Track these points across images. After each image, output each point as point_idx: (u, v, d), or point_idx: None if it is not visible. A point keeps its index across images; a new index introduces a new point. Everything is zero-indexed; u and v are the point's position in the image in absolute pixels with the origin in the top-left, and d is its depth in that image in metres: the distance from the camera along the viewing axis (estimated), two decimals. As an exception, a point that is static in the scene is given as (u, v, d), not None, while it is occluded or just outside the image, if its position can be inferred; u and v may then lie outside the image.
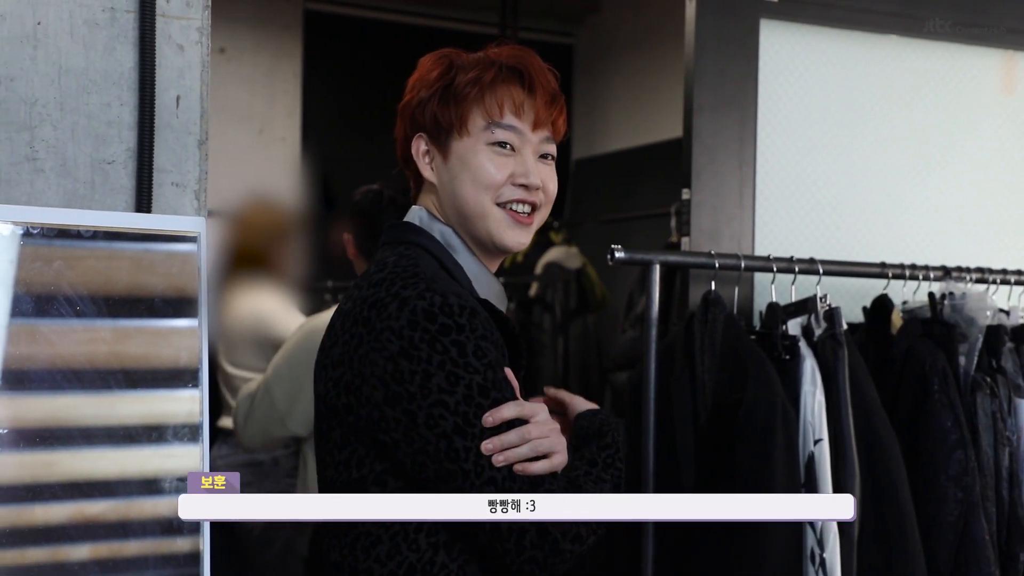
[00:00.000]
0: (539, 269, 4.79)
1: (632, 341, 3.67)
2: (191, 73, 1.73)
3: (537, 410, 1.43)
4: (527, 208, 1.55)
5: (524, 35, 5.50)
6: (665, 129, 5.20)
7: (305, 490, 2.89)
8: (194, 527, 1.51)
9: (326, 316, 3.20)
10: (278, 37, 5.50)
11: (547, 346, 4.65)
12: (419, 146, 1.58)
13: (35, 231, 1.46)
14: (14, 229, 1.45)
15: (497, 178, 1.53)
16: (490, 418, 1.37)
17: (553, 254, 4.79)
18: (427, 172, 1.58)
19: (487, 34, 5.63)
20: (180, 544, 1.50)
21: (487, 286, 1.57)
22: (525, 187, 1.54)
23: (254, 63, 5.41)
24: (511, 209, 1.54)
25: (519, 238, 1.56)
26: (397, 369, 1.38)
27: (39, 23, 1.63)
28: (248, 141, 5.35)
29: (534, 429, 1.40)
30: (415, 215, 1.60)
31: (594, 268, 4.85)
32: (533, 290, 4.83)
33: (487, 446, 1.36)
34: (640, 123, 5.63)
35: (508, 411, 1.39)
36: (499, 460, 1.37)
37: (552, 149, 1.60)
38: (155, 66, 1.69)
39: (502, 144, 1.54)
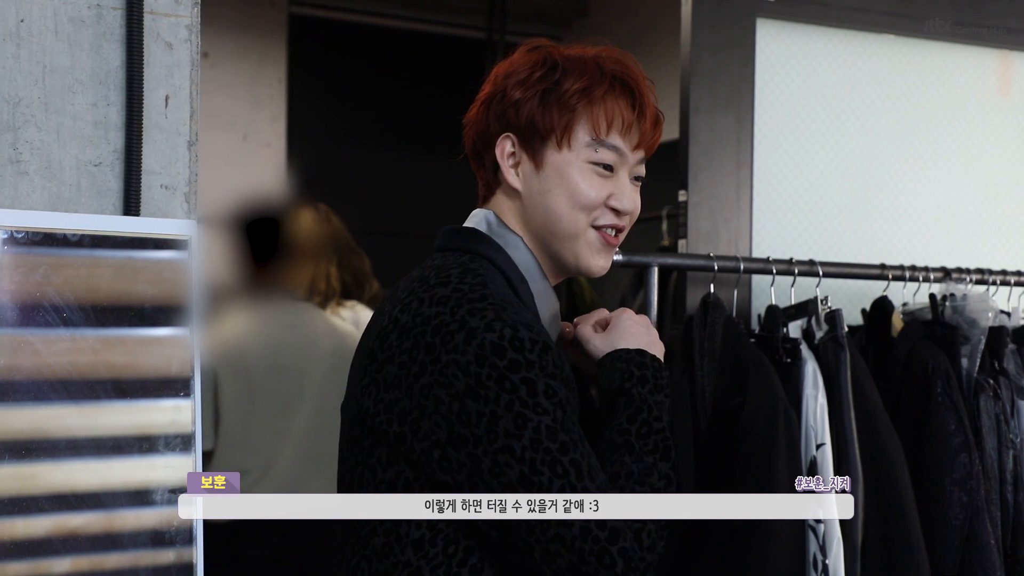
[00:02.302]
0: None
1: (625, 346, 3.63)
2: (180, 72, 1.68)
3: None
4: (614, 231, 1.50)
5: (512, 39, 5.46)
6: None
7: None
8: (185, 539, 1.46)
9: None
10: (262, 42, 5.44)
11: (537, 352, 4.60)
12: (505, 147, 1.48)
13: (19, 236, 1.41)
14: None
15: (596, 200, 1.46)
16: None
17: (542, 259, 4.75)
18: (512, 177, 1.48)
19: (474, 38, 5.59)
20: (170, 556, 1.45)
21: (547, 305, 1.49)
22: (617, 212, 1.48)
23: (237, 68, 5.35)
24: (604, 231, 1.49)
25: (604, 263, 1.50)
26: (464, 410, 1.30)
27: (22, 20, 1.58)
28: (232, 147, 5.29)
29: None
30: (481, 220, 1.50)
31: (583, 273, 4.80)
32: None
33: None
34: (628, 127, 5.59)
35: None
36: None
37: (643, 171, 1.53)
38: (143, 65, 1.64)
39: (605, 165, 1.47)
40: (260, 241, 3.09)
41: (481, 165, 1.53)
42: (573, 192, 1.46)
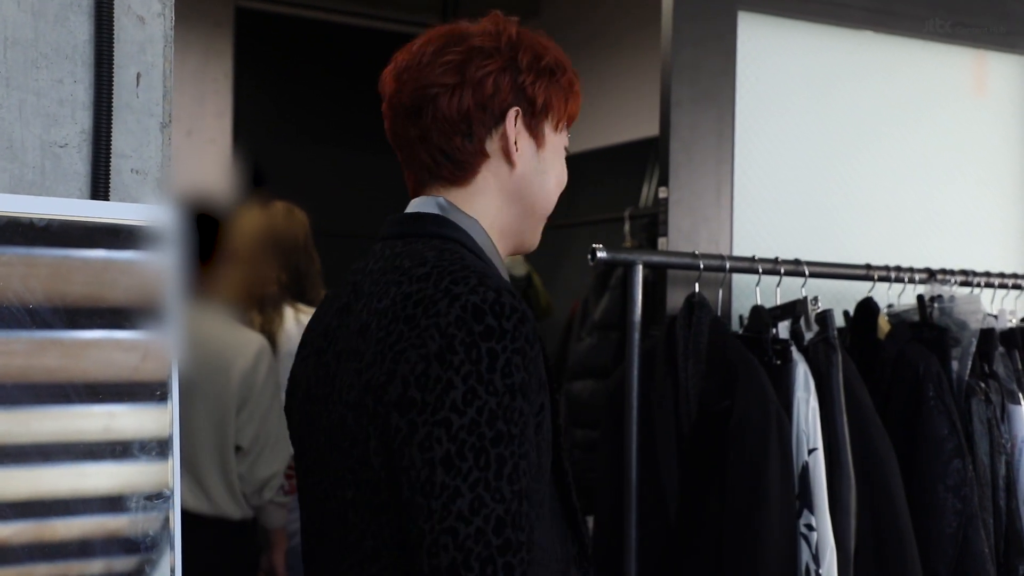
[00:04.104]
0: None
1: (590, 349, 3.55)
2: (153, 48, 1.56)
3: None
4: None
5: (464, 36, 5.37)
6: (608, 134, 5.11)
7: None
8: (160, 546, 1.35)
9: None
10: (207, 35, 5.28)
11: (492, 355, 4.51)
12: (512, 126, 1.41)
13: (-19, 220, 1.29)
14: (-42, 216, 1.27)
15: (565, 180, 1.49)
16: None
17: (498, 261, 4.66)
18: (514, 155, 1.42)
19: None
20: (143, 564, 1.34)
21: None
22: None
23: (183, 63, 5.18)
24: None
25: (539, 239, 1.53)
26: (426, 372, 1.22)
27: (-19, -12, 1.45)
28: (176, 143, 5.11)
29: None
30: (433, 206, 1.41)
31: (538, 275, 4.73)
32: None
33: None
34: (581, 129, 5.53)
35: None
36: None
37: None
38: (113, 39, 1.51)
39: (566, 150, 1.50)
40: (204, 240, 2.94)
41: (463, 135, 1.40)
42: (560, 175, 1.48)
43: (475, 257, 1.37)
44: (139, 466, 1.34)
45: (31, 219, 1.33)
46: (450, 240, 1.38)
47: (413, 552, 1.22)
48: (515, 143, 1.41)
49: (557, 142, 1.47)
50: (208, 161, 5.22)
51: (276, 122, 5.50)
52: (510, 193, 1.43)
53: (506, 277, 1.41)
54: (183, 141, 5.16)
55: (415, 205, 1.44)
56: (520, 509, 1.21)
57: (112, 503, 1.32)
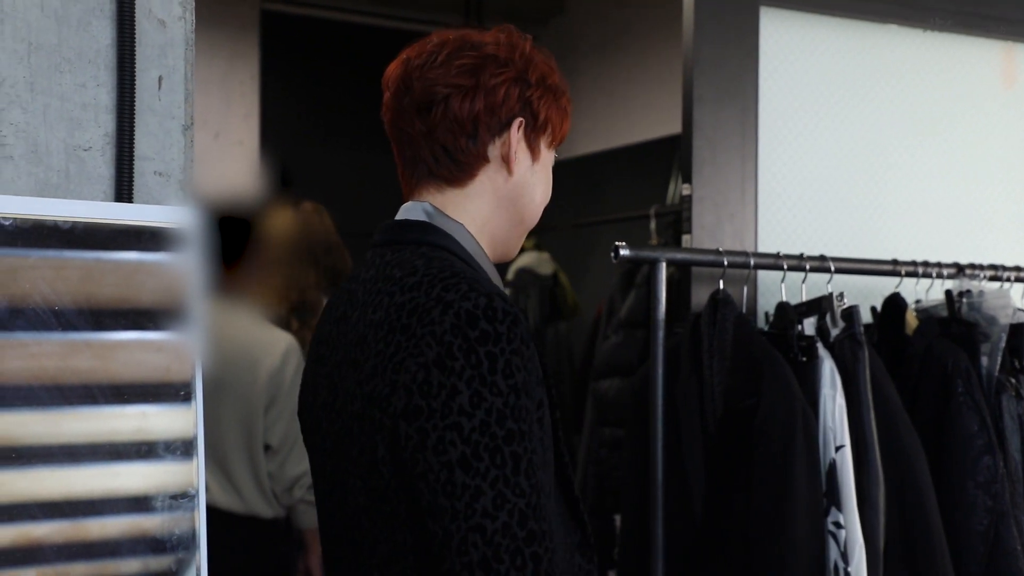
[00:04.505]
0: (511, 275, 4.65)
1: (616, 347, 3.53)
2: (174, 51, 1.57)
3: None
4: None
5: (488, 36, 5.37)
6: (633, 132, 5.09)
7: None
8: (187, 545, 1.36)
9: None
10: (234, 39, 5.31)
11: (519, 354, 4.51)
12: (515, 135, 1.45)
13: (7, 224, 1.30)
14: (-17, 220, 1.28)
15: (549, 196, 1.52)
16: None
17: (525, 260, 4.66)
18: (514, 164, 1.45)
19: (449, 36, 5.49)
20: (171, 563, 1.35)
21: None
22: None
23: (209, 66, 5.21)
24: None
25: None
26: (427, 380, 1.25)
27: (5, -6, 1.46)
28: (204, 146, 5.15)
29: None
30: (420, 213, 1.44)
31: (565, 274, 4.72)
32: (503, 296, 4.68)
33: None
34: (607, 127, 5.53)
35: None
36: None
37: None
38: (134, 43, 1.52)
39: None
40: (231, 242, 2.95)
41: (468, 136, 1.43)
42: (547, 189, 1.52)
43: (463, 263, 1.39)
44: (164, 466, 1.35)
45: (56, 222, 1.34)
46: (437, 247, 1.41)
47: (440, 552, 1.24)
48: (515, 152, 1.45)
49: (548, 158, 1.51)
50: (236, 163, 5.24)
51: (302, 123, 5.52)
52: (504, 199, 1.46)
53: (497, 280, 1.46)
54: (211, 143, 5.19)
55: (403, 211, 1.48)
56: (539, 501, 1.25)
57: (138, 503, 1.33)
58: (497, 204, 1.46)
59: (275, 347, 2.81)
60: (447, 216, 1.44)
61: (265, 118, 5.29)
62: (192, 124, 1.60)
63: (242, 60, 5.29)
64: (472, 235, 1.44)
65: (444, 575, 1.24)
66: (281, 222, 3.33)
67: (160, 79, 1.56)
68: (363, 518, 1.35)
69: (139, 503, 1.33)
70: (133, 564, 1.33)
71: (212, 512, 2.76)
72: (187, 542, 1.36)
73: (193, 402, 1.38)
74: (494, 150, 1.44)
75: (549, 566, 1.24)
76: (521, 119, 1.44)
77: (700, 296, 2.34)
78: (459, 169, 1.44)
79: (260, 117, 5.27)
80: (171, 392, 1.37)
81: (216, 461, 2.78)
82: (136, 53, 1.52)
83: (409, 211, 1.47)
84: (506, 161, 1.45)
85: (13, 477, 1.27)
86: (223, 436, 2.77)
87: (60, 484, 1.29)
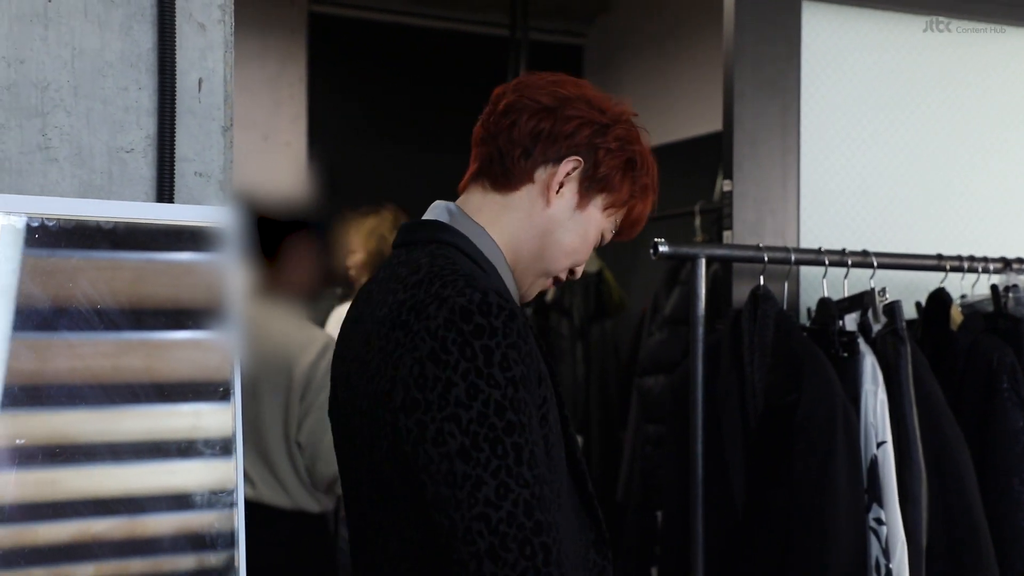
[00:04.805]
0: (556, 272, 4.64)
1: (660, 344, 3.53)
2: (214, 54, 1.60)
3: None
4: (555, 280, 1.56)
5: (535, 36, 5.37)
6: (679, 129, 5.07)
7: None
8: (227, 542, 1.38)
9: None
10: (282, 41, 5.36)
11: (566, 352, 4.51)
12: (565, 169, 1.46)
13: (52, 225, 1.33)
14: (29, 221, 1.32)
15: (581, 259, 1.52)
16: None
17: (570, 257, 4.65)
18: (554, 194, 1.47)
19: (496, 35, 5.51)
20: (212, 560, 1.38)
21: (514, 294, 1.49)
22: (572, 272, 1.54)
23: (258, 68, 5.27)
24: (555, 278, 1.54)
25: (534, 295, 1.55)
26: (423, 373, 1.27)
27: (50, 1, 1.50)
28: (253, 147, 5.21)
29: None
30: (443, 212, 1.48)
31: (610, 271, 4.72)
32: (550, 295, 4.70)
33: None
34: (653, 124, 5.50)
35: None
36: None
37: None
38: (175, 47, 1.56)
39: (600, 239, 1.54)
40: (274, 240, 2.99)
41: (524, 151, 1.47)
42: (579, 247, 1.50)
43: (470, 261, 1.41)
44: (204, 464, 1.38)
45: (99, 222, 1.37)
46: (446, 244, 1.43)
47: (449, 543, 1.25)
48: (559, 185, 1.47)
49: (598, 220, 1.50)
50: (284, 164, 5.30)
51: (350, 124, 5.56)
52: (535, 226, 1.47)
53: (512, 287, 1.48)
54: (259, 145, 5.25)
55: (429, 211, 1.50)
56: (543, 493, 1.26)
57: (179, 500, 1.36)
58: (529, 227, 1.47)
59: (312, 345, 2.84)
60: (469, 218, 1.47)
61: (313, 120, 5.34)
62: (231, 126, 1.63)
63: (291, 62, 5.34)
64: (495, 243, 1.46)
65: (455, 565, 1.25)
66: (362, 228, 3.39)
67: (200, 81, 1.59)
68: (373, 513, 1.37)
69: (180, 500, 1.36)
70: (188, 560, 1.36)
71: (259, 508, 2.82)
72: (227, 539, 1.39)
73: (232, 400, 1.41)
74: (542, 174, 1.47)
75: (559, 556, 1.25)
76: (579, 159, 1.46)
77: (741, 293, 2.33)
78: (505, 177, 1.47)
79: (308, 119, 5.33)
80: (211, 390, 1.40)
81: (261, 457, 2.81)
82: (176, 56, 1.56)
83: (432, 210, 1.50)
84: (547, 189, 1.46)
85: (68, 475, 1.31)
86: (265, 433, 2.81)
87: (112, 481, 1.32)
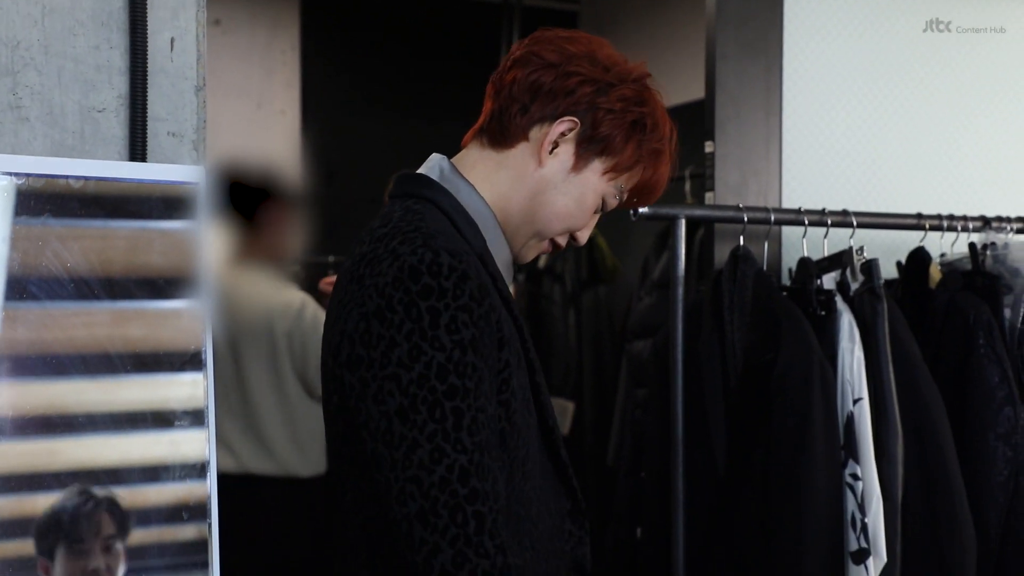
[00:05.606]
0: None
1: (649, 308, 3.54)
2: (186, 13, 1.60)
3: None
4: (554, 245, 1.50)
5: (528, 2, 5.35)
6: (668, 95, 5.05)
7: None
8: (201, 514, 1.39)
9: None
10: (275, 8, 5.34)
11: (558, 318, 4.52)
12: (559, 130, 1.41)
13: (21, 184, 1.34)
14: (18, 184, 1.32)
15: (577, 223, 1.46)
16: None
17: (562, 223, 4.66)
18: (546, 154, 1.41)
19: (490, 3, 5.48)
20: (186, 531, 1.39)
21: (500, 253, 1.44)
22: (575, 239, 1.49)
23: (251, 35, 5.26)
24: (553, 241, 1.48)
25: (531, 257, 1.50)
26: (368, 330, 1.26)
27: (20, -41, 1.50)
28: (246, 115, 5.21)
29: None
30: (434, 167, 1.44)
31: (603, 237, 4.72)
32: (542, 261, 4.70)
33: None
34: (648, 89, 5.49)
35: None
36: None
37: None
38: (146, 5, 1.56)
39: (603, 207, 1.48)
40: (250, 204, 2.97)
41: (522, 107, 1.43)
42: (575, 212, 1.45)
43: (445, 218, 1.38)
44: (179, 435, 1.39)
45: (68, 180, 1.38)
46: (425, 200, 1.39)
47: (385, 501, 1.25)
48: (553, 145, 1.42)
49: (597, 184, 1.44)
50: (277, 132, 5.29)
51: (344, 92, 5.55)
52: (527, 186, 1.43)
53: (503, 247, 1.43)
54: (253, 112, 5.24)
55: (423, 165, 1.47)
56: (483, 460, 1.23)
57: (154, 472, 1.37)
58: (520, 186, 1.43)
59: (291, 306, 2.87)
60: (460, 175, 1.43)
61: (306, 87, 5.33)
62: (204, 85, 1.63)
63: (283, 30, 5.32)
64: (485, 201, 1.43)
65: (391, 524, 1.24)
66: None
67: (172, 40, 1.59)
68: (334, 464, 1.38)
69: (155, 472, 1.36)
70: (149, 533, 1.35)
71: (245, 479, 2.83)
72: (199, 511, 1.39)
73: (204, 370, 1.41)
74: (536, 132, 1.42)
75: (494, 527, 1.22)
76: (575, 120, 1.41)
77: (723, 254, 2.34)
78: (502, 134, 1.44)
79: (301, 86, 5.31)
80: (183, 360, 1.39)
81: (247, 424, 2.84)
82: (148, 15, 1.56)
83: (426, 163, 1.47)
84: (540, 148, 1.42)
85: (42, 447, 1.31)
86: (252, 397, 2.83)
87: (87, 452, 1.32)
